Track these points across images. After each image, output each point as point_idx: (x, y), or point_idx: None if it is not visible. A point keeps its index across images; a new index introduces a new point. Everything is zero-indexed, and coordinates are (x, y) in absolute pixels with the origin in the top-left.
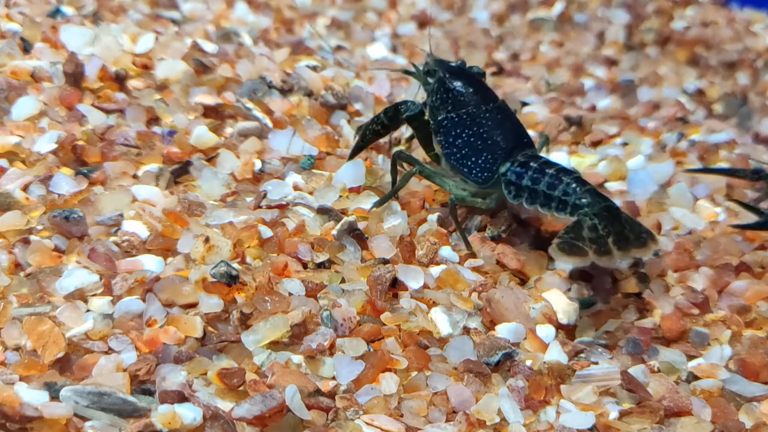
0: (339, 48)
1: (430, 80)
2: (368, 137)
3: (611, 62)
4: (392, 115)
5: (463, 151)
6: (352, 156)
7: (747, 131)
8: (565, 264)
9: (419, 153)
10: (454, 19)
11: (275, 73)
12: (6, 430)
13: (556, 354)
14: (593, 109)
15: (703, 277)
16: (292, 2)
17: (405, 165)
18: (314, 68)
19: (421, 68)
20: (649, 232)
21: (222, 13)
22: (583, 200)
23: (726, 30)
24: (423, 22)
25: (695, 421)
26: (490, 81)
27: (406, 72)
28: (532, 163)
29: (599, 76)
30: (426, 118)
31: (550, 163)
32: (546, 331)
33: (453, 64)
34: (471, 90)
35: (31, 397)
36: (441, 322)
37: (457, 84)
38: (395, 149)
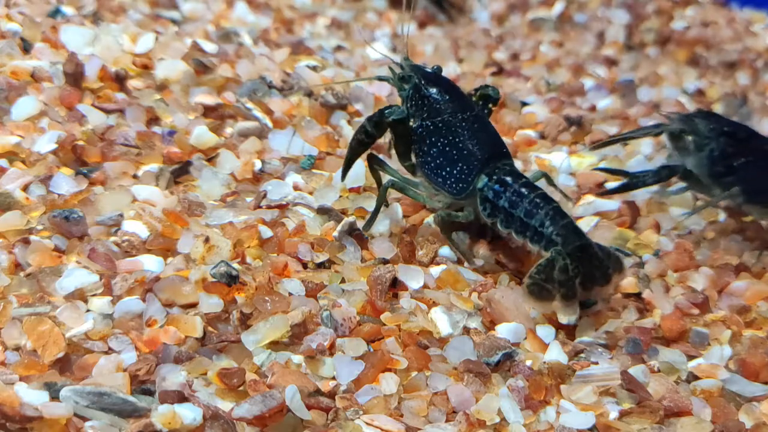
0: (339, 48)
1: (405, 86)
2: (356, 149)
3: (611, 62)
4: (377, 121)
5: (438, 161)
6: (344, 173)
7: None
8: (532, 307)
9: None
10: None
11: (275, 73)
12: (6, 430)
13: (556, 354)
14: (593, 109)
15: (703, 277)
16: (292, 2)
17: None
18: (314, 68)
19: (396, 73)
20: (618, 262)
21: (222, 13)
22: (559, 237)
23: (726, 30)
24: (423, 22)
25: (695, 421)
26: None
27: (381, 78)
28: (511, 182)
29: (599, 76)
30: (411, 124)
31: (529, 185)
32: (546, 331)
33: (429, 70)
34: (447, 97)
35: (31, 397)
36: (441, 322)
37: (433, 91)
38: (368, 152)
